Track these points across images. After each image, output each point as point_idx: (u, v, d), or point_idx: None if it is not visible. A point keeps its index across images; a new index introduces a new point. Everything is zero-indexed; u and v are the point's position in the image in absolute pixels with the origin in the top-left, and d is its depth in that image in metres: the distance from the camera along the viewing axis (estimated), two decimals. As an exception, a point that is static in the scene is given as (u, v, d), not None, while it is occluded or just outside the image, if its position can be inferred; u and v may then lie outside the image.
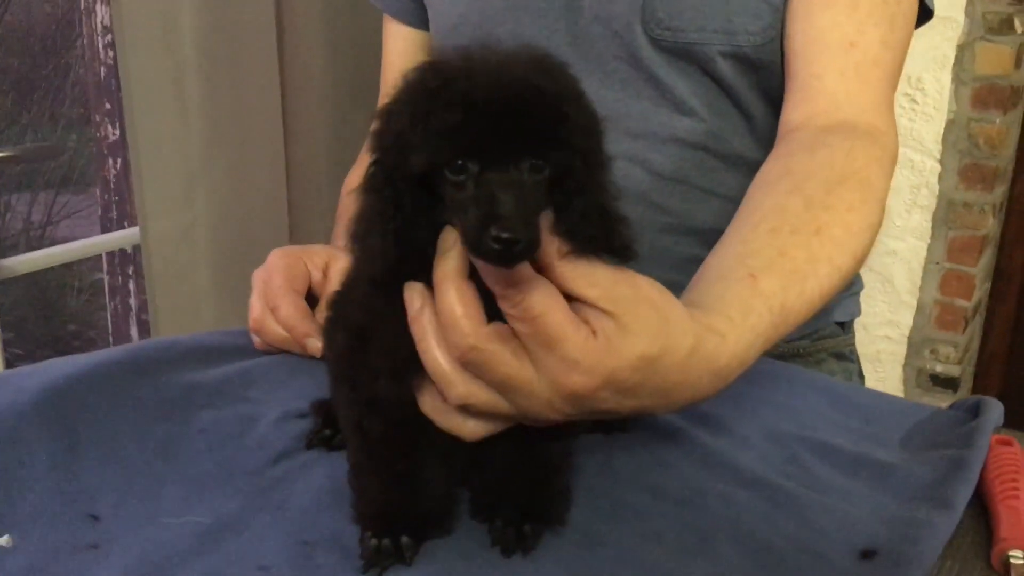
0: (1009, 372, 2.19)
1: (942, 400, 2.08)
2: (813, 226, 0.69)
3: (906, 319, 2.06)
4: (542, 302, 0.51)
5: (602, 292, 0.52)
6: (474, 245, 0.48)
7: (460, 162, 0.49)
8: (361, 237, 0.54)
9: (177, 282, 1.41)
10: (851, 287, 1.04)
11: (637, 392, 0.55)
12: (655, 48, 0.87)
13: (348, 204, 1.02)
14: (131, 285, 3.02)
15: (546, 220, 0.51)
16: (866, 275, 2.03)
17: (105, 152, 3.07)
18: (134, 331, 3.11)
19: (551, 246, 0.51)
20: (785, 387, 0.81)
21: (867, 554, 0.59)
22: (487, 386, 0.54)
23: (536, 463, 0.60)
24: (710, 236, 0.75)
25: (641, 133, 0.90)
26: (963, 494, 0.64)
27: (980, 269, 2.02)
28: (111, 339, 3.25)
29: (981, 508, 0.65)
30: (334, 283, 0.78)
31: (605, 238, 0.54)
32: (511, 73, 0.49)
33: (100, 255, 3.06)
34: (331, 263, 0.89)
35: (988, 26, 1.88)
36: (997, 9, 1.86)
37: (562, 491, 0.61)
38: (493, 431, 0.56)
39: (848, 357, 1.03)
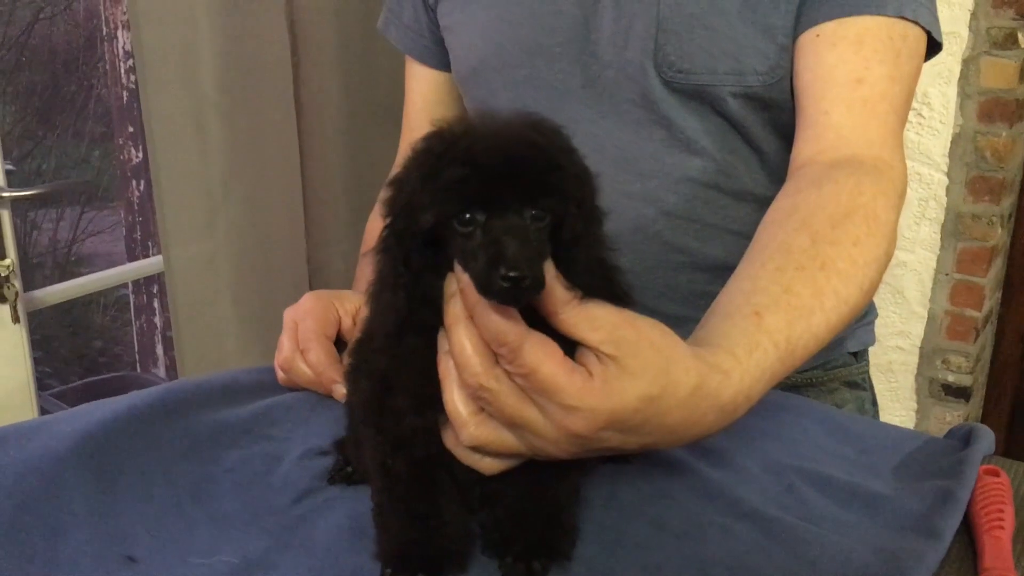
0: (1022, 381, 2.20)
1: (955, 409, 2.10)
2: (818, 262, 0.71)
3: (917, 329, 2.07)
4: (534, 356, 0.54)
5: (604, 336, 0.56)
6: (485, 287, 0.52)
7: (467, 214, 0.53)
8: (376, 295, 0.59)
9: (201, 308, 1.46)
10: (864, 317, 1.06)
11: (640, 430, 0.58)
12: (667, 90, 0.89)
13: (364, 265, 1.05)
14: (156, 304, 3.08)
15: (550, 269, 0.55)
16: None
17: (129, 174, 3.13)
18: (159, 348, 3.17)
19: (555, 295, 0.55)
20: (784, 418, 0.84)
21: (857, 585, 0.63)
22: (499, 427, 0.57)
23: (545, 501, 0.63)
24: (722, 271, 0.77)
25: (653, 173, 0.92)
26: (951, 525, 0.67)
27: (989, 280, 2.04)
28: (137, 357, 3.30)
29: (968, 538, 0.68)
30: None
31: (604, 287, 0.58)
32: (509, 133, 0.54)
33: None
34: (362, 310, 0.92)
35: (992, 41, 1.90)
36: (1001, 24, 1.88)
37: (569, 528, 0.65)
38: (509, 467, 0.60)
39: (861, 385, 1.05)
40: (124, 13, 3.03)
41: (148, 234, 3.11)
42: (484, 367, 0.55)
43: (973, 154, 1.96)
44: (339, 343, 0.90)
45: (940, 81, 1.93)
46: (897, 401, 2.10)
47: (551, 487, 0.63)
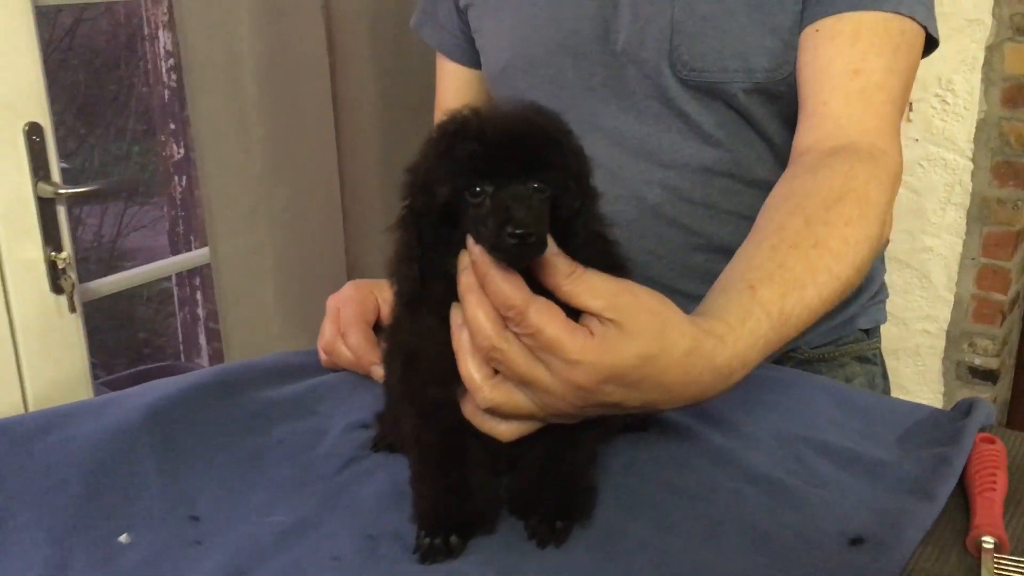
0: (1049, 363, 2.23)
1: (982, 392, 2.13)
2: (811, 240, 0.76)
3: (944, 313, 2.11)
4: (539, 317, 0.60)
5: (605, 303, 0.61)
6: (494, 245, 0.58)
7: (477, 187, 0.59)
8: (395, 268, 0.66)
9: (245, 298, 1.53)
10: (876, 295, 1.10)
11: (640, 386, 0.63)
12: (683, 87, 0.95)
13: None
14: (199, 296, 3.18)
15: (551, 245, 0.61)
16: (904, 271, 2.09)
17: (171, 170, 3.23)
18: (202, 339, 3.27)
19: (557, 267, 0.61)
20: (795, 392, 0.90)
21: (856, 541, 0.67)
22: (511, 388, 0.63)
23: (564, 467, 0.69)
24: (735, 252, 0.83)
25: (672, 163, 0.98)
26: (945, 487, 0.72)
27: (1016, 263, 2.06)
28: (181, 347, 3.41)
29: (963, 500, 0.73)
30: None
31: (602, 258, 0.64)
32: (514, 115, 0.61)
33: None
34: None
35: (1016, 27, 1.92)
36: (1024, 10, 1.91)
37: (588, 490, 0.71)
38: (524, 431, 0.66)
39: (871, 360, 1.10)
40: (165, 14, 3.13)
41: (190, 228, 3.21)
42: (495, 330, 0.61)
43: (998, 139, 1.99)
44: (378, 329, 0.97)
45: (964, 68, 1.95)
46: (924, 384, 2.14)
47: (569, 453, 0.69)
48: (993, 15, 1.91)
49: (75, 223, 4.08)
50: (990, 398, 2.12)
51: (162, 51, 3.13)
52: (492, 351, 0.61)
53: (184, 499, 0.73)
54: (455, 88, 1.15)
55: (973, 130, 1.99)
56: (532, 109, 0.62)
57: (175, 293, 3.43)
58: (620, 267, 0.66)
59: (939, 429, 0.82)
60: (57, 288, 1.46)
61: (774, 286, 0.72)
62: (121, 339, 4.00)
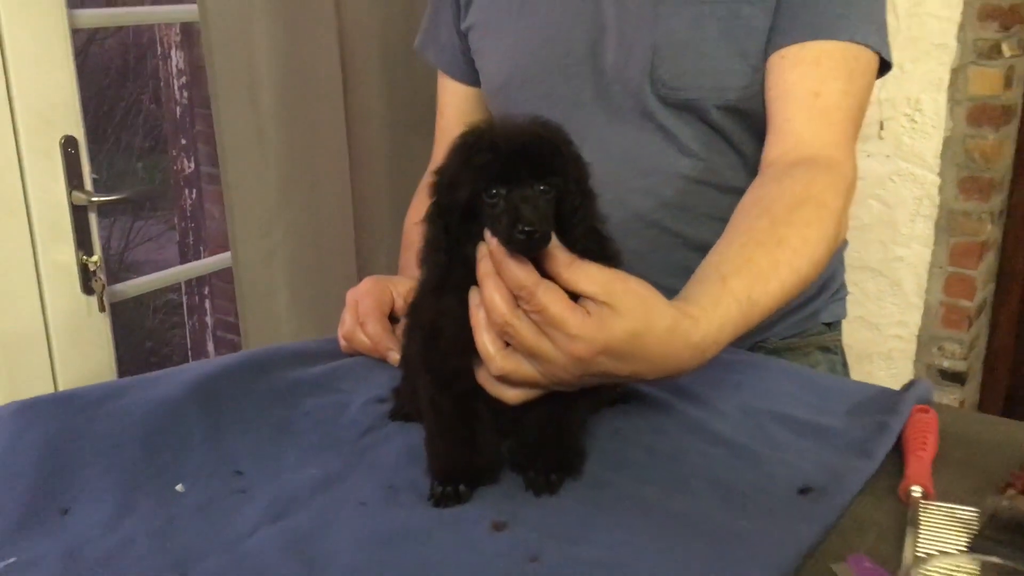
0: (1015, 367, 2.34)
1: (951, 393, 2.25)
2: (775, 239, 0.88)
3: (914, 319, 2.23)
4: (546, 297, 0.71)
5: (599, 288, 0.72)
6: (507, 240, 0.70)
7: (493, 189, 0.71)
8: (425, 256, 0.77)
9: (262, 299, 1.65)
10: (836, 293, 1.22)
11: (629, 358, 0.74)
12: (662, 103, 1.06)
13: (412, 233, 1.24)
14: (207, 304, 3.28)
15: (553, 239, 0.72)
16: (876, 279, 2.21)
17: (182, 183, 3.34)
18: (210, 346, 3.36)
19: (558, 258, 0.72)
20: (761, 373, 1.01)
21: (804, 491, 0.78)
22: (519, 358, 0.74)
23: (559, 429, 0.81)
24: None
25: (652, 171, 1.09)
26: (883, 448, 0.84)
27: (981, 272, 2.19)
28: (190, 355, 3.50)
29: (899, 459, 0.84)
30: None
31: (598, 250, 0.76)
32: (522, 128, 0.72)
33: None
34: (411, 291, 1.10)
35: (979, 51, 2.05)
36: (986, 36, 2.04)
37: (578, 449, 0.82)
38: (529, 397, 0.77)
39: (832, 350, 1.22)
40: (178, 34, 3.24)
41: (199, 239, 3.31)
42: (508, 309, 0.72)
43: (963, 156, 2.12)
44: (392, 320, 1.08)
45: (931, 89, 2.08)
46: (897, 386, 2.25)
47: (563, 418, 0.81)
48: (958, 39, 2.04)
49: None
50: (959, 399, 2.24)
51: (175, 69, 3.25)
52: (505, 327, 0.72)
53: (228, 457, 0.85)
54: (455, 104, 1.27)
55: (940, 147, 2.11)
56: (539, 123, 0.73)
57: (184, 303, 3.54)
58: (613, 258, 0.77)
59: (883, 402, 0.94)
60: (88, 289, 1.57)
61: (742, 277, 0.84)
62: (128, 349, 4.09)
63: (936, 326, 2.21)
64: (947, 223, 2.16)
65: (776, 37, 1.02)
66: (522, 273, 0.71)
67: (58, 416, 0.86)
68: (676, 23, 1.04)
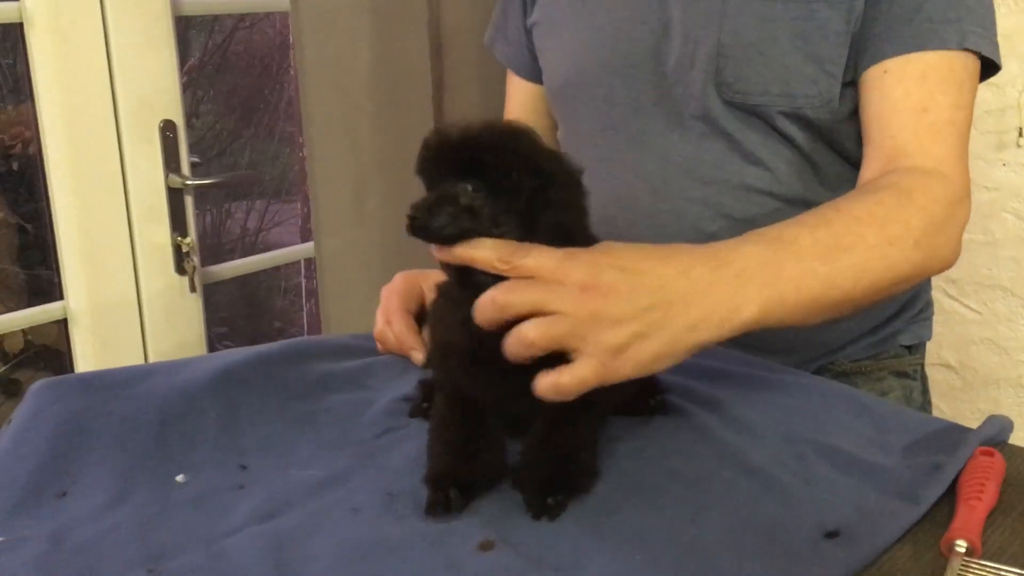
0: None
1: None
2: (846, 216, 0.84)
3: (1052, 344, 2.03)
4: (519, 252, 0.69)
5: (560, 257, 0.69)
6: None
7: (424, 182, 0.73)
8: None
9: (346, 289, 1.67)
10: (920, 313, 1.12)
11: (636, 269, 0.70)
12: (726, 107, 1.00)
13: None
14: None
15: (487, 240, 0.70)
16: (1008, 299, 2.03)
17: (306, 169, 3.43)
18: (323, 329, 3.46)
19: (505, 249, 0.69)
20: (819, 400, 0.93)
21: (831, 534, 0.71)
22: (518, 284, 0.69)
23: (560, 447, 0.77)
24: None
25: (714, 180, 1.03)
26: (933, 492, 0.75)
27: None
28: (306, 335, 3.62)
29: (952, 507, 0.75)
30: None
31: (566, 245, 0.72)
32: (465, 129, 0.72)
33: (299, 262, 3.44)
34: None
35: None
36: None
37: (587, 468, 0.78)
38: (546, 334, 0.69)
39: (911, 375, 1.12)
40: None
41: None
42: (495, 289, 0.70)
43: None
44: (425, 314, 1.05)
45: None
46: (1026, 417, 2.06)
47: (565, 433, 0.77)
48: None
49: (224, 216, 4.36)
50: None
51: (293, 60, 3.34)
52: (496, 301, 0.69)
53: (237, 450, 0.84)
54: (520, 102, 1.24)
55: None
56: (488, 124, 0.72)
57: (303, 287, 3.64)
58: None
59: (947, 439, 0.84)
60: (181, 270, 1.63)
61: (772, 230, 0.81)
62: (258, 328, 4.24)
63: (1077, 353, 2.01)
64: (1093, 240, 1.95)
65: (874, 46, 0.94)
66: (485, 248, 0.70)
67: (79, 396, 0.88)
68: (744, 21, 0.97)
